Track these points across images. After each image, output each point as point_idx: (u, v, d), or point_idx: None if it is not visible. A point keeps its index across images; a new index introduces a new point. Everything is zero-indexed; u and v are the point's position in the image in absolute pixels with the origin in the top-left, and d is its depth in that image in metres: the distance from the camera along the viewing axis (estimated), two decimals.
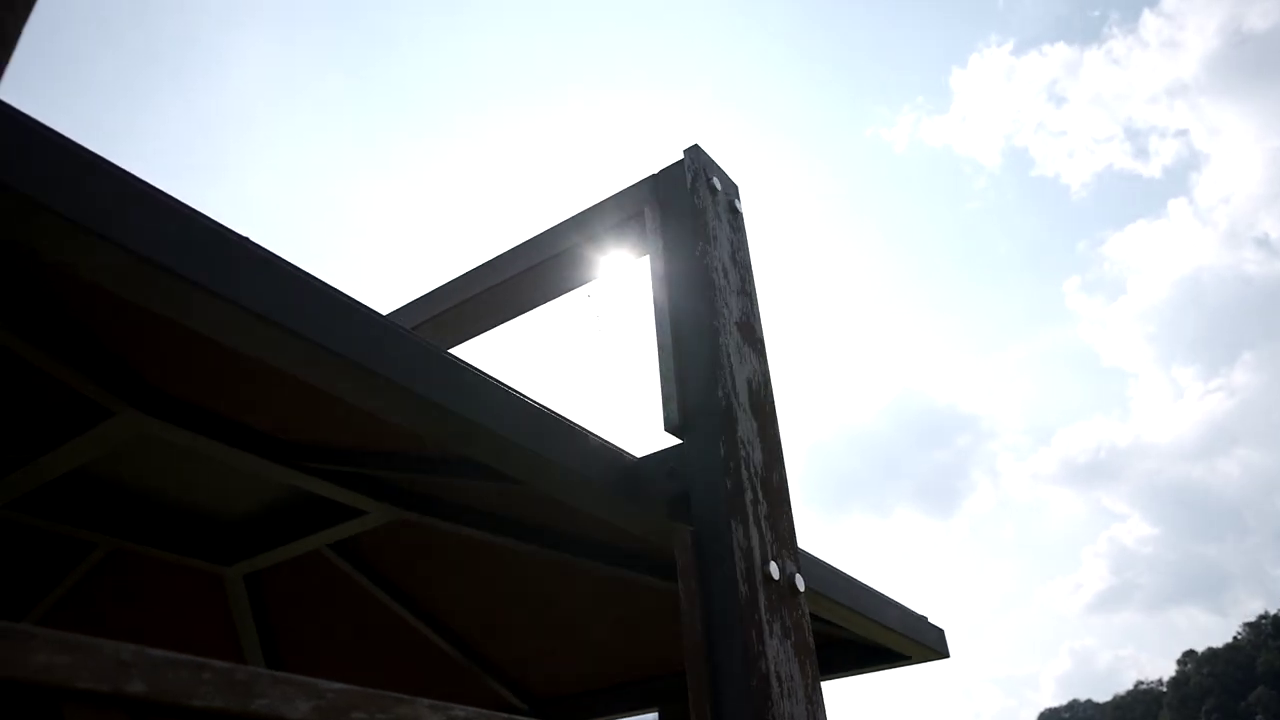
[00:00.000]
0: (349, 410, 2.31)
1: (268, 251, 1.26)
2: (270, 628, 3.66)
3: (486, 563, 3.26)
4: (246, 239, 1.27)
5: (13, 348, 2.01)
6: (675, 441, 1.74)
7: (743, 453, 1.63)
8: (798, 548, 1.69)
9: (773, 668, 1.43)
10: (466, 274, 2.23)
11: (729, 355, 1.73)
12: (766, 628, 1.46)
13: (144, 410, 2.36)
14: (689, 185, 1.91)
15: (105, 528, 3.10)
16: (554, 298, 2.19)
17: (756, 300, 1.92)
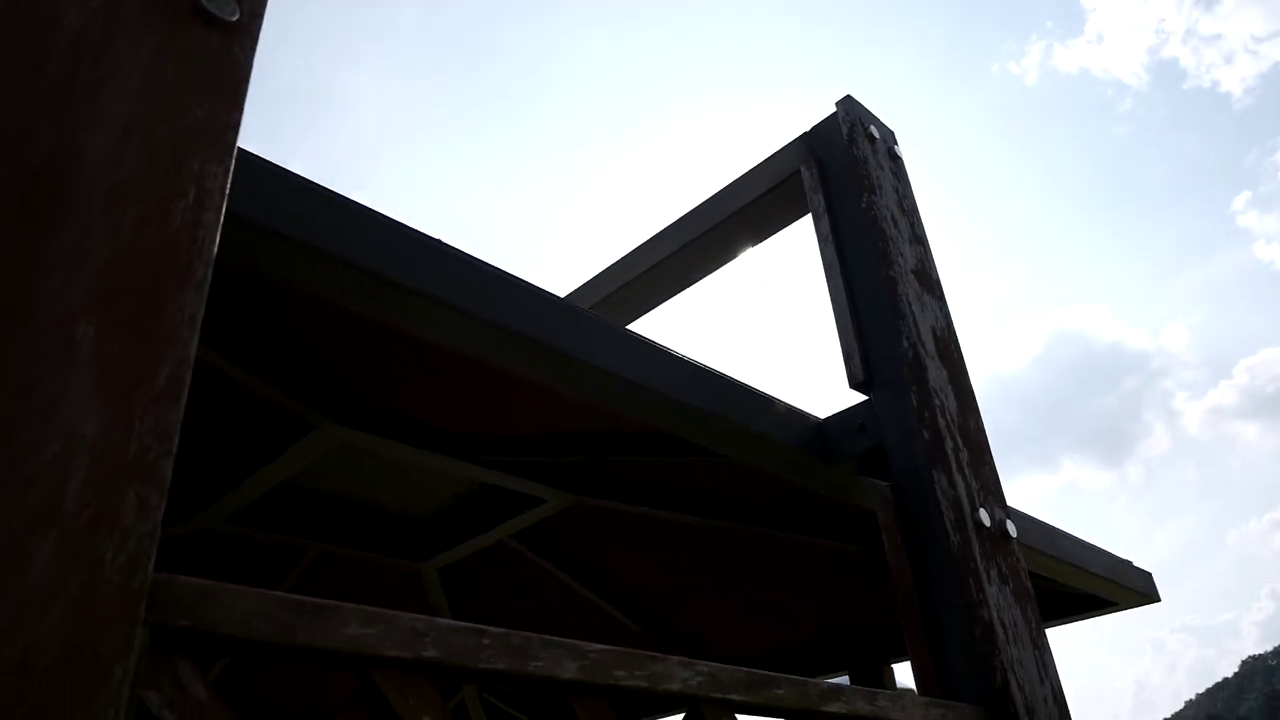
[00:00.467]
0: (524, 401, 2.39)
1: (469, 255, 1.32)
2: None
3: (664, 539, 3.32)
4: (449, 245, 1.33)
5: (224, 370, 2.19)
6: (861, 398, 1.71)
7: (936, 401, 1.59)
8: (1004, 495, 1.63)
9: (995, 614, 1.38)
10: (631, 253, 2.26)
11: (909, 304, 1.68)
12: (984, 574, 1.41)
13: (342, 422, 2.52)
14: (846, 136, 1.87)
15: (312, 533, 3.34)
16: (718, 268, 2.19)
17: (929, 246, 1.86)
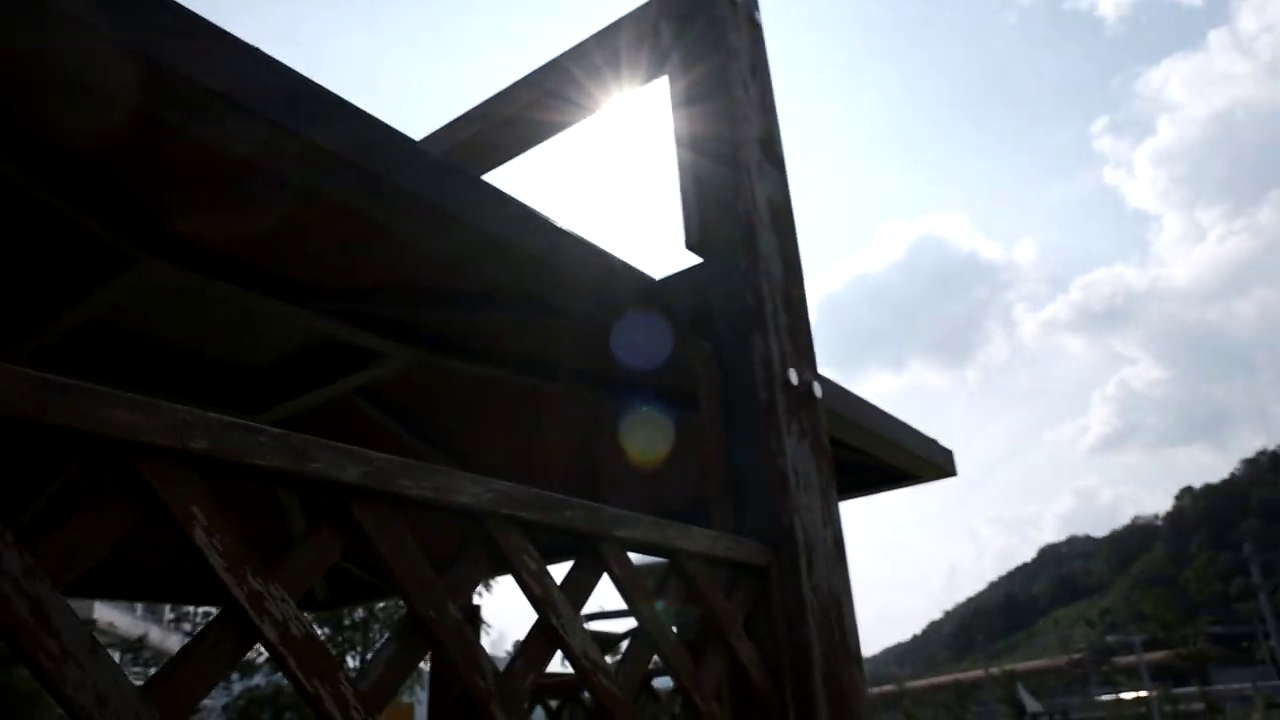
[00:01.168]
0: (369, 250, 2.32)
1: (312, 82, 1.24)
2: None
3: (506, 402, 3.35)
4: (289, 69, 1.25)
5: (37, 194, 2.00)
6: (697, 260, 1.76)
7: (763, 267, 1.65)
8: (815, 360, 1.73)
9: (790, 464, 1.49)
10: (486, 101, 2.19)
11: (750, 172, 1.72)
12: (785, 428, 1.51)
13: (165, 257, 2.38)
14: None
15: (131, 382, 3.18)
16: (574, 123, 2.15)
17: (776, 115, 1.88)
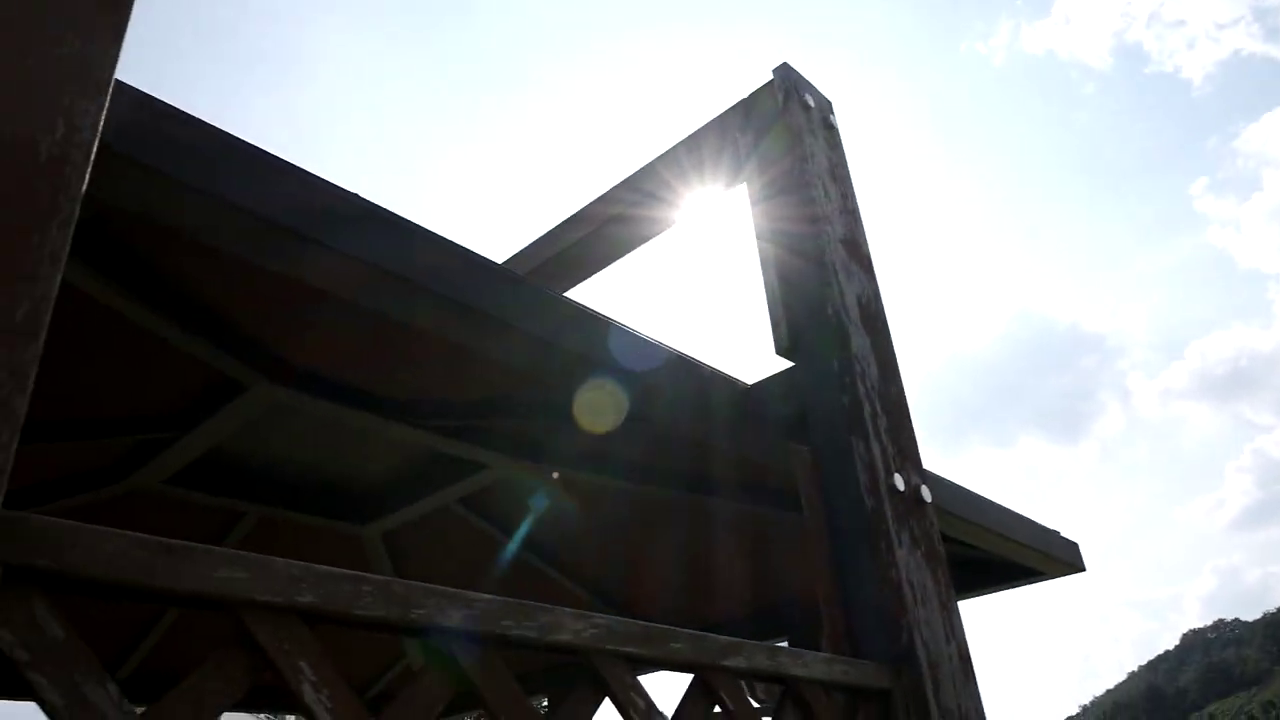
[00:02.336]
0: (464, 367, 2.38)
1: (390, 212, 1.30)
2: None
3: (605, 505, 3.33)
4: (370, 202, 1.31)
5: (151, 327, 2.14)
6: (788, 364, 1.73)
7: (858, 368, 1.61)
8: (921, 461, 1.66)
9: (904, 575, 1.42)
10: (567, 220, 2.25)
11: (836, 272, 1.70)
12: (895, 537, 1.44)
13: (274, 380, 2.49)
14: (780, 104, 1.87)
15: (252, 497, 3.31)
16: (651, 237, 2.18)
17: (860, 217, 1.87)
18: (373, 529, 3.51)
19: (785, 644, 3.59)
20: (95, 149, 0.75)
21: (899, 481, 1.53)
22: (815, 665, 1.23)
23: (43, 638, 0.64)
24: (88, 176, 0.73)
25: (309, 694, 0.75)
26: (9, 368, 0.64)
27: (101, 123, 0.76)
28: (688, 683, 1.12)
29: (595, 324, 1.58)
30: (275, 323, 2.34)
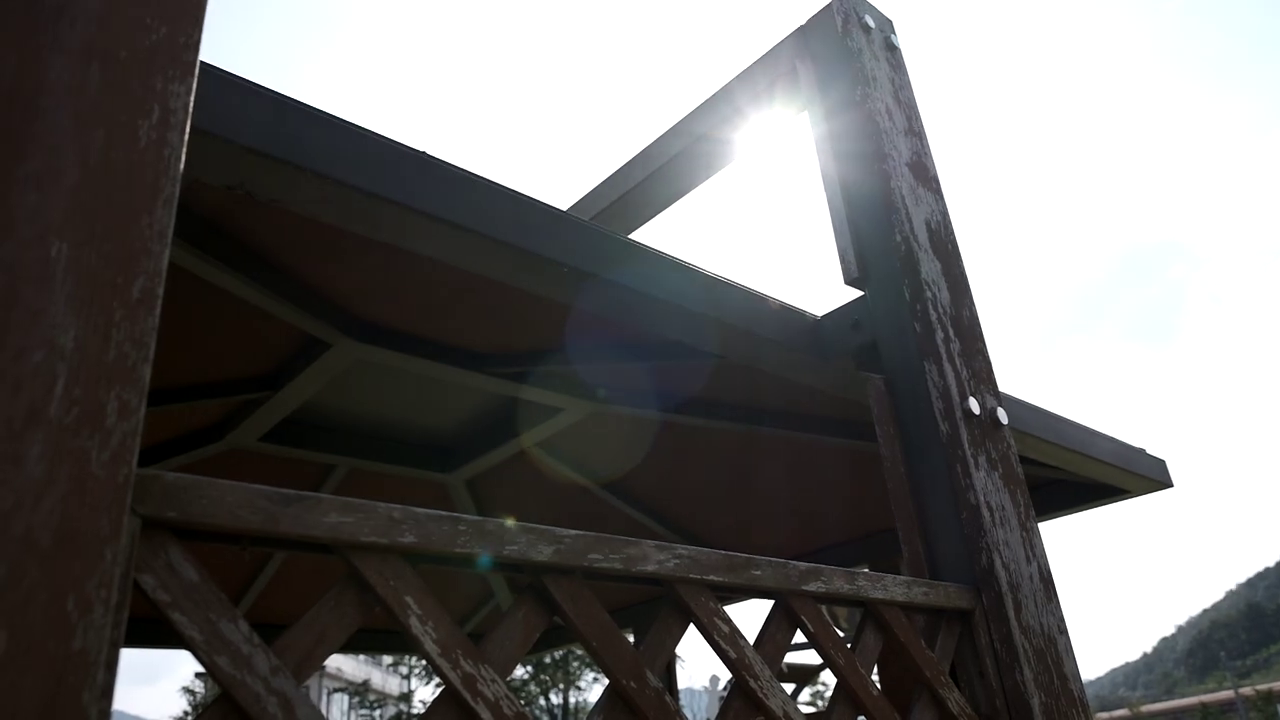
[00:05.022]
0: (536, 315, 2.43)
1: (461, 168, 1.33)
2: None
3: (678, 442, 3.39)
4: (442, 160, 1.35)
5: (239, 293, 2.24)
6: (857, 294, 1.73)
7: (929, 294, 1.60)
8: (996, 384, 1.65)
9: (982, 497, 1.42)
10: (629, 162, 2.26)
11: (903, 198, 1.68)
12: (972, 461, 1.45)
13: (356, 338, 2.59)
14: (839, 29, 1.83)
15: (342, 450, 3.47)
16: (716, 172, 2.18)
17: (926, 138, 1.83)
18: (456, 476, 3.65)
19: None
20: (188, 129, 0.79)
21: (974, 405, 1.52)
22: (895, 588, 1.26)
23: (180, 580, 0.71)
24: (184, 156, 0.78)
25: (416, 626, 0.82)
26: (132, 339, 0.70)
27: (191, 104, 0.80)
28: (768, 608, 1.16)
29: (664, 264, 1.60)
30: (353, 281, 2.42)
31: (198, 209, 1.88)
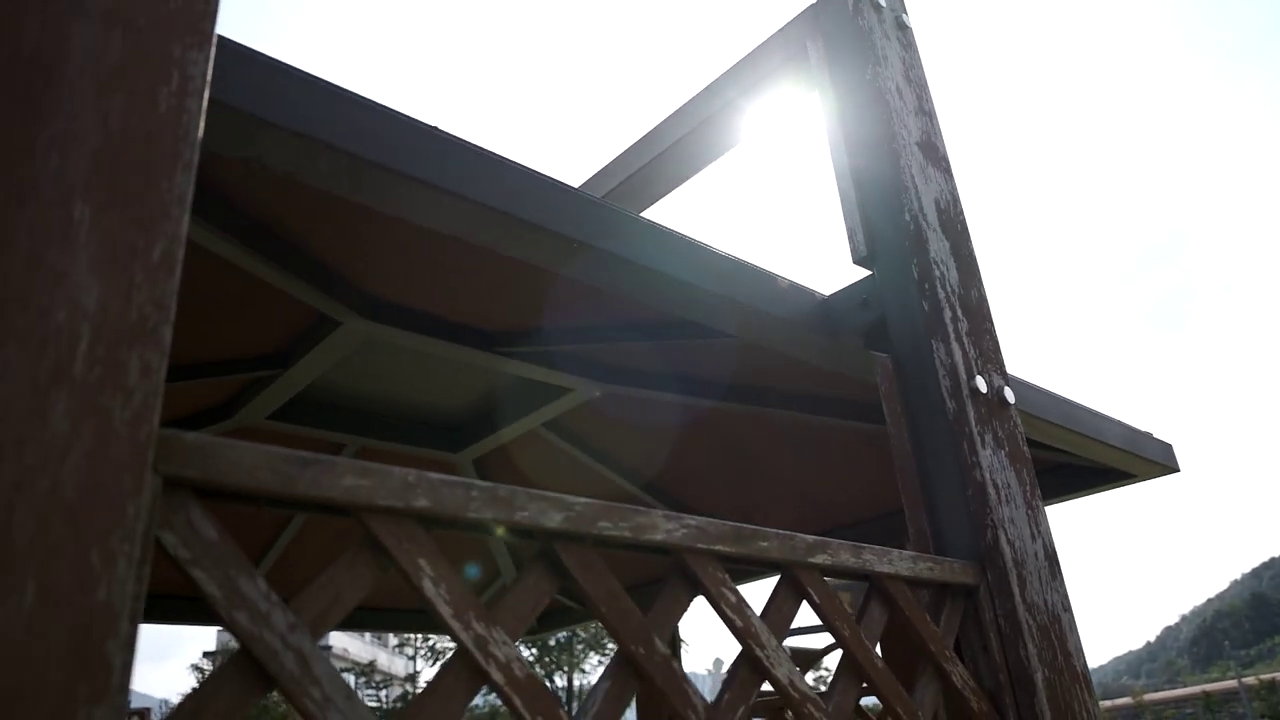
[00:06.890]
0: (543, 293, 2.44)
1: (472, 144, 1.34)
2: None
3: (686, 423, 3.40)
4: (452, 135, 1.36)
5: (250, 269, 2.26)
6: (865, 273, 1.73)
7: (937, 273, 1.60)
8: (1004, 363, 1.66)
9: (988, 475, 1.43)
10: (640, 140, 2.26)
11: (912, 176, 1.68)
12: (978, 439, 1.46)
13: (365, 316, 2.60)
14: (851, 7, 1.82)
15: (351, 429, 3.49)
16: (725, 152, 2.18)
17: (936, 118, 1.83)
18: (464, 455, 3.67)
19: None
20: (206, 97, 0.80)
21: (981, 384, 1.53)
22: (900, 562, 1.27)
23: (200, 538, 0.72)
24: (202, 123, 0.79)
25: (429, 588, 0.83)
26: (154, 301, 0.71)
27: (209, 72, 0.81)
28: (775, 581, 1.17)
29: (674, 242, 1.60)
30: (364, 259, 2.43)
31: (209, 184, 1.89)
